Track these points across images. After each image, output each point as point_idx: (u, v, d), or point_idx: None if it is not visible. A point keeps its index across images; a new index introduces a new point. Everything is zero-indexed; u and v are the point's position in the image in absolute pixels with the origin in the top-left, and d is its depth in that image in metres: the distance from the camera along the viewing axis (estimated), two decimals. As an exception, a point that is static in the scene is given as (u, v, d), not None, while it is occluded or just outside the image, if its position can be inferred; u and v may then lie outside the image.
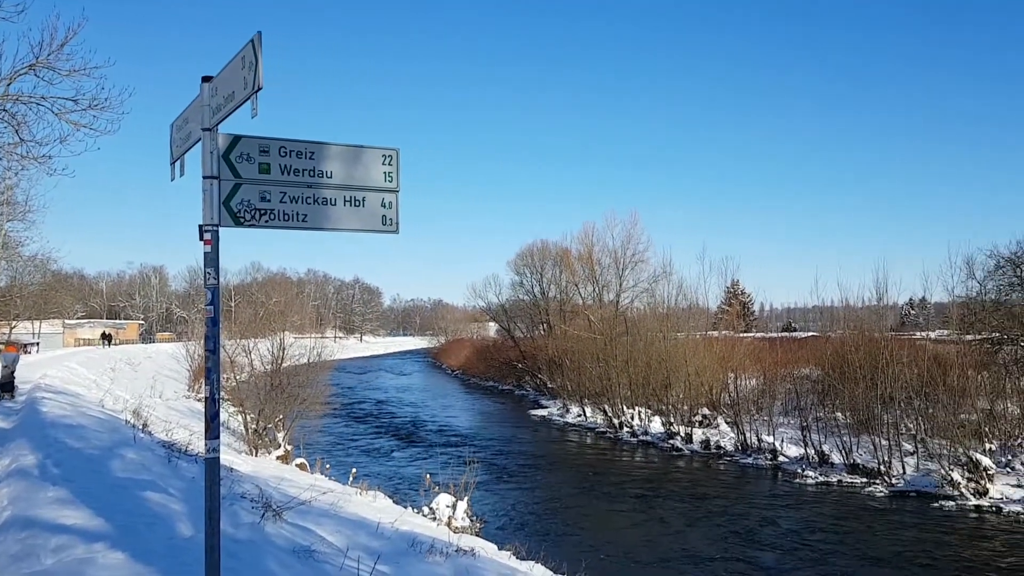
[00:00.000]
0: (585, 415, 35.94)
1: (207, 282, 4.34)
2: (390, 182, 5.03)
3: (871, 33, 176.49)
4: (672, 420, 29.29)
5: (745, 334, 41.12)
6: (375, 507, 12.81)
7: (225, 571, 4.35)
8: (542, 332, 51.86)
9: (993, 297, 26.89)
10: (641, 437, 29.91)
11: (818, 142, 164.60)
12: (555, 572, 11.75)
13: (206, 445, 4.30)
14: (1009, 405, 22.36)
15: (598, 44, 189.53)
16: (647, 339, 33.90)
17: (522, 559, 12.02)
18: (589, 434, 32.80)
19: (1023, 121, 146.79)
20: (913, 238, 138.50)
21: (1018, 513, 16.77)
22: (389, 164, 5.03)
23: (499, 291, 59.76)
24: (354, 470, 17.58)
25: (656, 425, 30.44)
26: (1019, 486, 18.17)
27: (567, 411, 38.09)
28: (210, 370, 4.34)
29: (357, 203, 4.92)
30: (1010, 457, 19.99)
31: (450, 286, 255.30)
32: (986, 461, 18.48)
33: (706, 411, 29.43)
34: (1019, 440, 20.93)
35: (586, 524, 17.45)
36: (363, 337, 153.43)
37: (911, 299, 63.25)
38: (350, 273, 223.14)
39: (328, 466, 18.84)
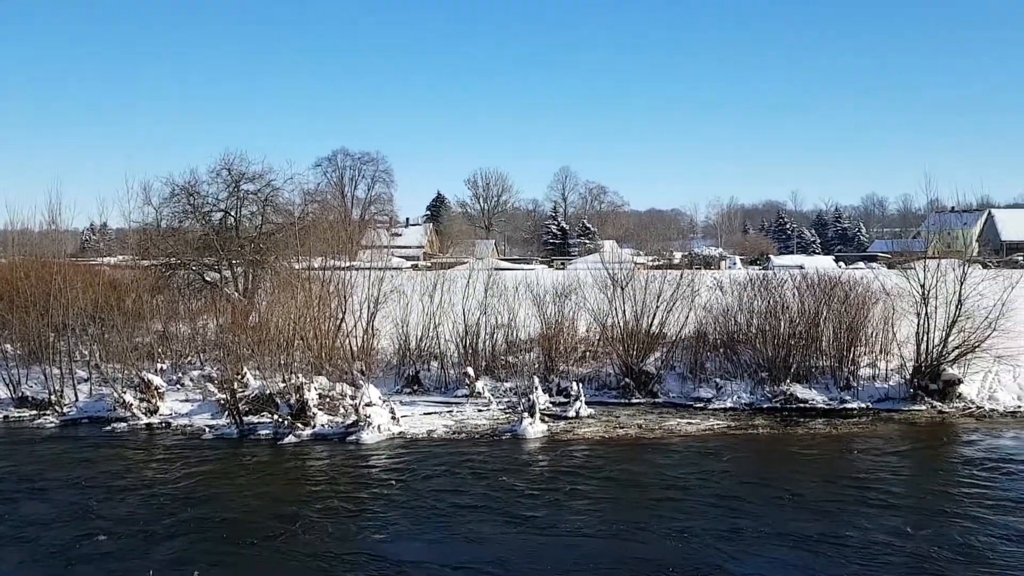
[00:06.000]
0: None
1: None
2: None
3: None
4: None
5: None
6: None
7: None
8: None
9: (168, 223, 28.20)
10: None
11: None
12: None
13: None
14: (181, 326, 23.84)
15: None
16: None
17: None
18: None
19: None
20: (89, 163, 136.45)
21: (185, 425, 17.98)
22: None
23: None
24: None
25: None
26: (187, 400, 19.47)
27: None
28: None
29: None
30: (181, 375, 21.25)
31: None
32: (157, 380, 19.24)
33: None
34: (189, 358, 22.46)
35: None
36: None
37: (92, 224, 62.52)
38: None
39: None
